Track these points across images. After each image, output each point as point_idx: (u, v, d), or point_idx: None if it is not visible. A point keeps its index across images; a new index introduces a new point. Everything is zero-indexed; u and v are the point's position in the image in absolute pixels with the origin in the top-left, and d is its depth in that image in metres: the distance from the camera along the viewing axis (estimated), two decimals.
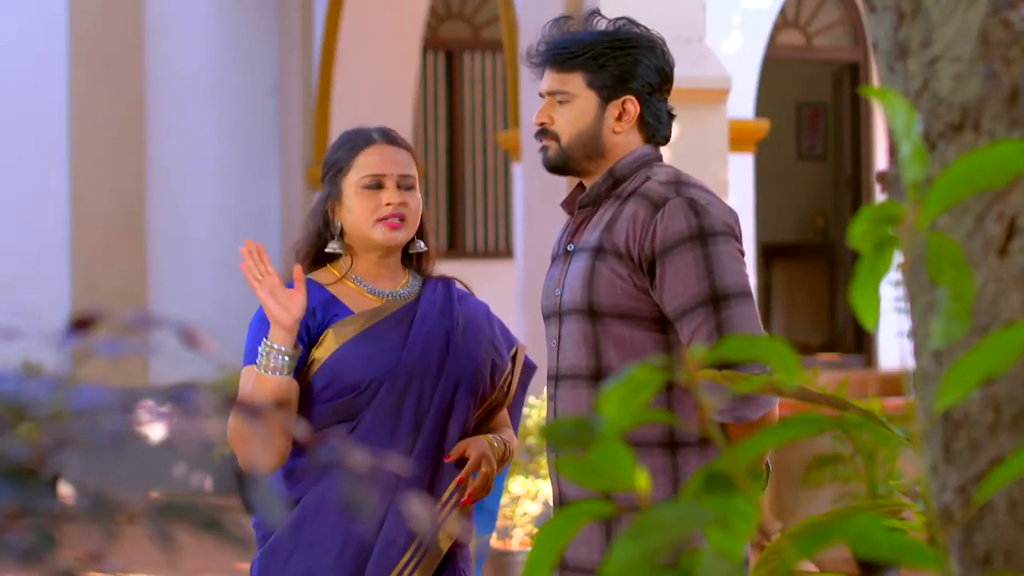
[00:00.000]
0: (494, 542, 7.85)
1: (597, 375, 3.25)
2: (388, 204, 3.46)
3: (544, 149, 3.38)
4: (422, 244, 3.59)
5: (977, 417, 1.61)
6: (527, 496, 7.68)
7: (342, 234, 3.52)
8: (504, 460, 3.57)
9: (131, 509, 1.29)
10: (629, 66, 3.32)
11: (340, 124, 11.16)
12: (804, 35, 12.27)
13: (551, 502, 3.55)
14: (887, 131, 1.43)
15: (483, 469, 3.46)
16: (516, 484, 7.66)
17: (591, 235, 3.30)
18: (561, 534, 1.30)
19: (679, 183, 3.26)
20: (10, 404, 1.32)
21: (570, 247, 3.35)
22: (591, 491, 1.32)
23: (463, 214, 13.07)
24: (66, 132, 11.42)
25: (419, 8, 11.38)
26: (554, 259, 3.44)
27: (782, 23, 11.98)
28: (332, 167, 3.53)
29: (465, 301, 3.60)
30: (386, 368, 3.42)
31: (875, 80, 11.53)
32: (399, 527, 3.39)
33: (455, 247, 13.06)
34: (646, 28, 3.39)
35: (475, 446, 3.48)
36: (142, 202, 11.64)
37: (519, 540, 7.80)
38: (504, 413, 3.65)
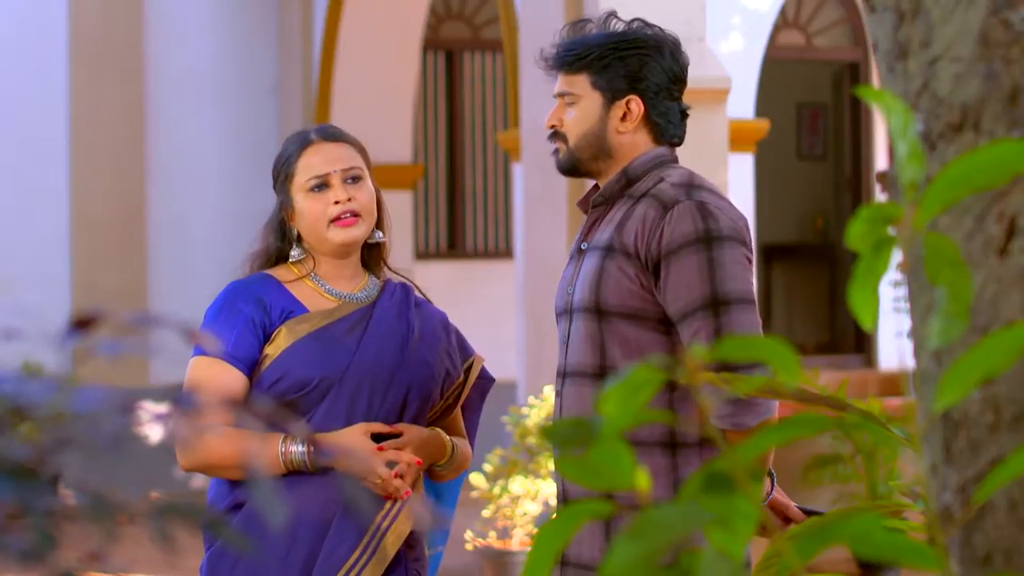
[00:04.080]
0: (494, 542, 7.85)
1: (601, 373, 3.26)
2: (336, 203, 3.44)
3: (556, 152, 3.41)
4: (380, 234, 3.56)
5: (977, 417, 1.61)
6: (527, 496, 7.68)
7: (299, 239, 3.51)
8: (457, 468, 3.56)
9: (131, 509, 1.29)
10: (635, 67, 3.34)
11: (340, 124, 11.16)
12: (804, 35, 12.27)
13: (555, 499, 3.54)
14: (887, 131, 1.42)
15: (413, 457, 3.42)
16: (516, 484, 7.66)
17: (603, 234, 3.32)
18: (561, 534, 1.30)
19: (691, 186, 3.28)
20: (10, 404, 1.31)
21: (584, 246, 3.37)
22: (594, 490, 1.33)
23: (463, 214, 13.07)
24: (66, 132, 11.42)
25: (419, 8, 11.38)
26: (571, 258, 3.45)
27: (782, 23, 11.98)
28: (279, 175, 3.52)
29: (423, 308, 3.58)
30: (335, 368, 3.40)
31: (875, 80, 11.53)
32: (345, 531, 3.38)
33: (455, 247, 13.05)
34: (659, 29, 3.41)
35: (414, 429, 3.45)
36: (142, 202, 11.64)
37: (519, 540, 7.79)
38: (459, 424, 3.63)
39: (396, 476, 3.37)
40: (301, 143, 3.51)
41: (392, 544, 3.40)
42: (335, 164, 3.47)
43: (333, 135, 3.54)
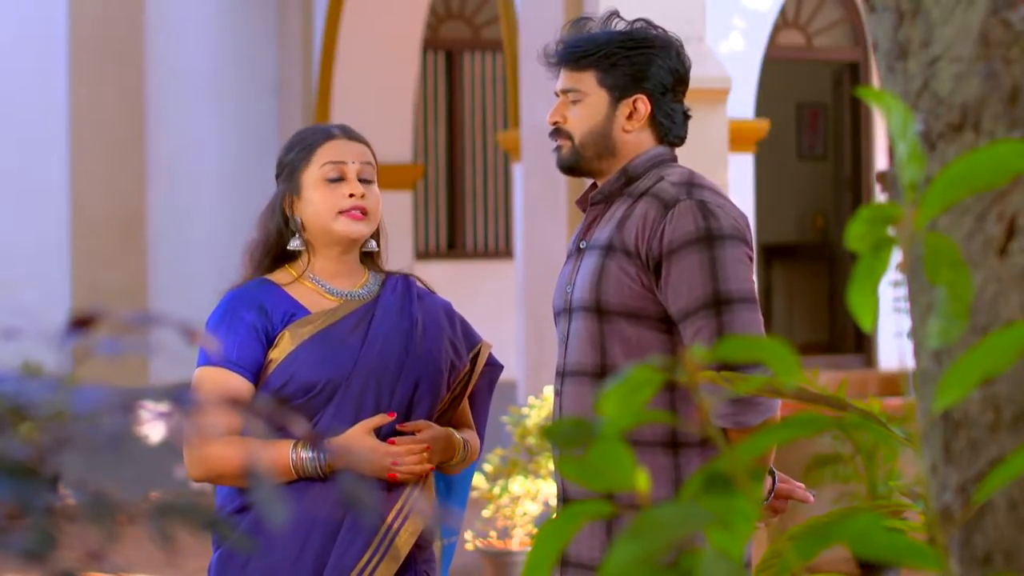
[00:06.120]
0: (494, 542, 7.85)
1: (602, 372, 3.26)
2: (351, 196, 3.44)
3: (558, 149, 3.40)
4: (374, 244, 3.55)
5: (977, 417, 1.61)
6: (527, 496, 7.68)
7: (301, 229, 3.49)
8: (464, 461, 3.54)
9: (131, 509, 1.29)
10: (642, 66, 3.34)
11: None
12: (804, 35, 12.27)
13: (555, 499, 3.53)
14: (887, 131, 1.43)
15: (426, 463, 3.41)
16: (516, 484, 7.66)
17: (602, 233, 3.32)
18: (561, 534, 1.30)
19: (692, 185, 3.28)
20: (10, 404, 1.31)
21: (582, 244, 3.37)
22: (593, 490, 1.33)
23: (463, 214, 13.07)
24: (66, 132, 11.42)
25: (419, 8, 11.38)
26: (568, 257, 3.45)
27: (782, 23, 11.98)
28: (289, 164, 3.50)
29: (425, 300, 3.57)
30: (342, 370, 3.39)
31: (875, 80, 11.53)
32: (356, 532, 3.37)
33: (455, 247, 13.05)
34: (663, 30, 3.41)
35: (433, 429, 3.44)
36: (142, 202, 11.64)
37: (519, 540, 7.79)
38: (467, 415, 3.62)
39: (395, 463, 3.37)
40: (323, 135, 3.51)
41: (404, 544, 3.39)
42: (353, 157, 3.48)
43: (354, 135, 3.54)
